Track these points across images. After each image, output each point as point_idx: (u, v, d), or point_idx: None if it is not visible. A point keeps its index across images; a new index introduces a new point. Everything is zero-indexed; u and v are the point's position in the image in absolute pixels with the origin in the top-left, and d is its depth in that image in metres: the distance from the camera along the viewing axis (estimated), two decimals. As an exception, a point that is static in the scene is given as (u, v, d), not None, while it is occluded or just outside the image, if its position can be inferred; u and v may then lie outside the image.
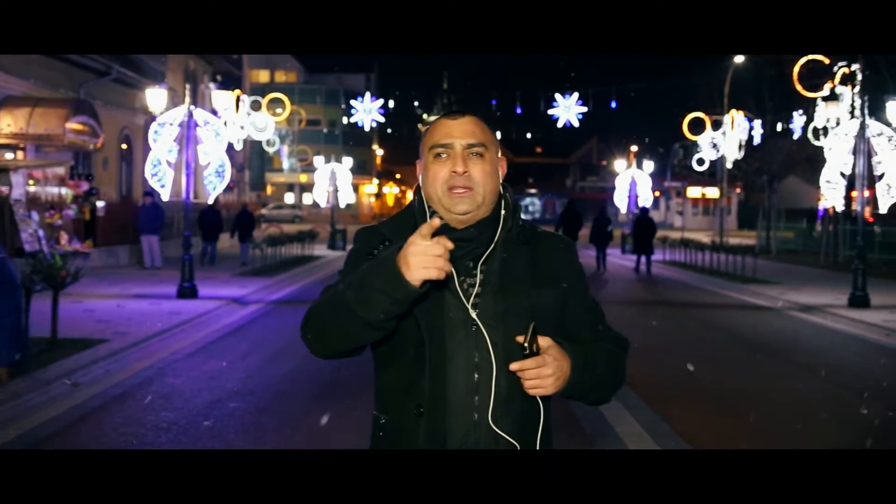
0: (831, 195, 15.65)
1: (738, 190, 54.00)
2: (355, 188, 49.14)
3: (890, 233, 25.16)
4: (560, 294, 2.06)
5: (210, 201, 16.56)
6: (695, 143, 31.40)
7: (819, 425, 7.00)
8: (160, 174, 14.08)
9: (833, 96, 21.50)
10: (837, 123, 19.62)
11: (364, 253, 2.04)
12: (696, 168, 32.38)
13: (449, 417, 1.96)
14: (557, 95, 31.43)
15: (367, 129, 38.53)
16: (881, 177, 14.66)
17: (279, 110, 31.65)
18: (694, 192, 60.07)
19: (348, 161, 33.17)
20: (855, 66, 18.62)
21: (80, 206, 17.82)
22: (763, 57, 28.43)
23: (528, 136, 68.32)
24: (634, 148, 45.88)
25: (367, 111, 34.55)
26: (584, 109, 31.82)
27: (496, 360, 1.95)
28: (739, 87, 31.92)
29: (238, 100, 25.50)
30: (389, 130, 59.67)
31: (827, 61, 21.86)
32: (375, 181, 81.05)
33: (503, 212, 2.07)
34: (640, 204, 28.16)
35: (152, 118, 15.56)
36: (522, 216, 2.13)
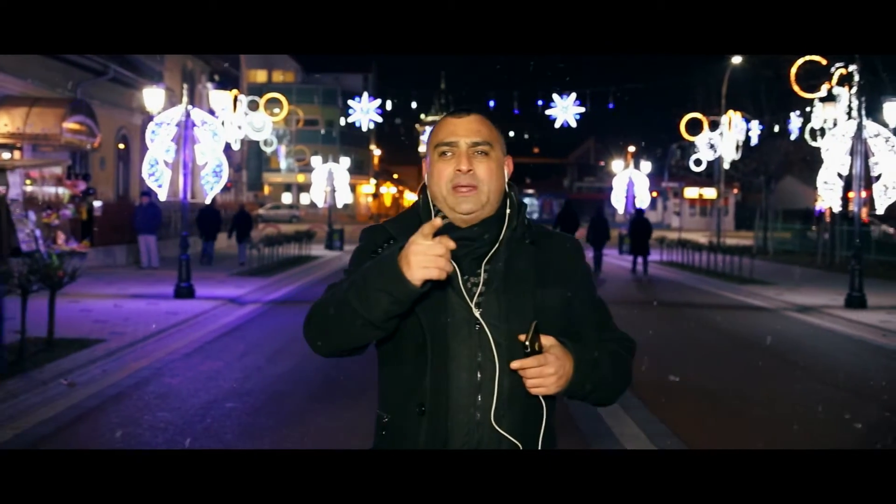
0: (828, 196, 15.67)
1: (736, 190, 54.11)
2: (353, 188, 49.15)
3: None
4: (565, 294, 2.05)
5: (207, 201, 16.56)
6: (692, 144, 31.41)
7: (816, 426, 7.01)
8: (157, 174, 14.06)
9: (830, 97, 21.54)
10: (834, 124, 19.66)
11: (368, 251, 2.04)
12: (694, 169, 32.40)
13: (451, 417, 1.95)
14: (555, 96, 31.45)
15: (364, 129, 38.50)
16: (878, 178, 14.68)
17: (277, 110, 31.61)
18: (691, 192, 60.09)
19: (346, 161, 33.15)
20: (852, 67, 18.66)
21: (77, 206, 17.79)
22: (760, 58, 28.47)
23: (526, 136, 68.32)
24: (632, 148, 45.90)
25: (364, 111, 34.54)
26: (582, 110, 31.84)
27: (499, 359, 1.94)
28: (737, 88, 31.98)
29: (235, 100, 25.47)
30: (387, 130, 59.63)
31: (824, 62, 21.89)
32: (373, 181, 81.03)
33: (508, 211, 2.05)
34: (638, 204, 28.18)
35: (149, 118, 15.54)
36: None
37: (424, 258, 1.76)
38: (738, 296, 16.82)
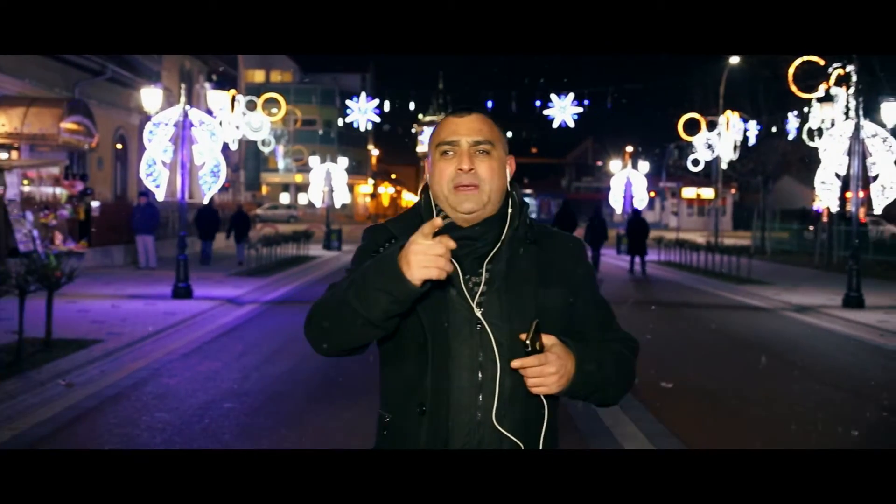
0: (826, 196, 15.69)
1: (733, 190, 54.16)
2: (351, 188, 49.12)
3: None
4: (567, 294, 2.04)
5: (205, 201, 16.56)
6: (690, 144, 31.44)
7: (814, 425, 7.01)
8: (155, 174, 14.05)
9: (828, 97, 21.58)
10: (832, 124, 19.68)
11: (370, 250, 2.03)
12: (692, 169, 32.43)
13: (452, 417, 1.94)
14: (553, 96, 31.49)
15: (362, 129, 38.51)
16: (876, 178, 14.70)
17: (275, 110, 31.61)
18: (689, 192, 60.12)
19: (344, 161, 33.15)
20: (850, 68, 18.67)
21: (75, 206, 17.78)
22: (758, 58, 28.50)
23: (524, 136, 68.36)
24: (630, 148, 45.95)
25: (362, 111, 34.55)
26: (580, 110, 31.89)
27: (500, 359, 1.94)
28: (734, 88, 32.00)
29: (233, 100, 25.47)
30: (385, 130, 59.61)
31: (822, 62, 21.91)
32: (371, 181, 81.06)
33: (510, 210, 2.05)
34: (636, 205, 28.19)
35: (147, 118, 15.53)
36: None
37: (424, 258, 1.76)
38: (736, 296, 16.83)
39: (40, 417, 6.76)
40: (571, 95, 31.55)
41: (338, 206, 32.10)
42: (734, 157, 29.23)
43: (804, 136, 23.60)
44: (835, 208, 16.31)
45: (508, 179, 2.07)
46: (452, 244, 1.79)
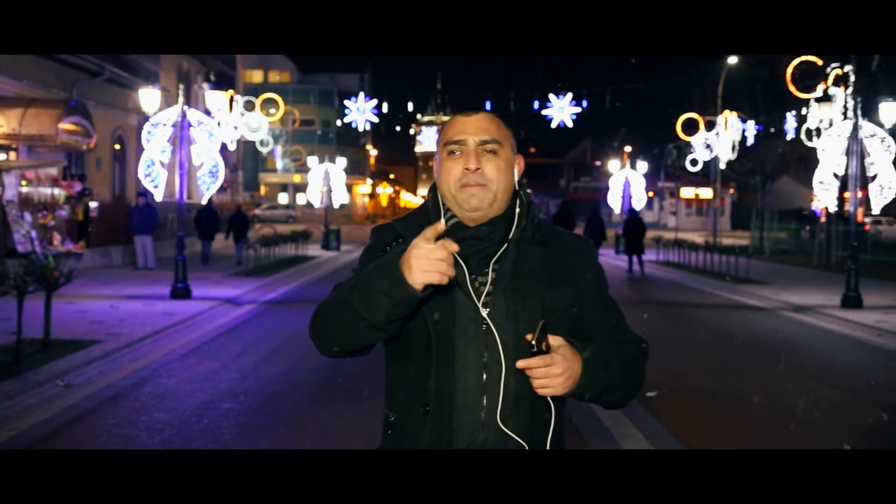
0: (824, 196, 15.70)
1: (732, 190, 54.16)
2: (349, 188, 49.10)
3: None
4: (575, 294, 2.03)
5: (204, 202, 16.55)
6: (688, 144, 31.48)
7: (812, 425, 7.02)
8: (153, 174, 14.04)
9: (826, 97, 21.61)
10: (830, 124, 19.71)
11: (377, 250, 2.03)
12: (690, 168, 32.45)
13: (456, 417, 1.93)
14: (551, 96, 31.50)
15: (360, 129, 38.51)
16: (874, 178, 14.71)
17: (273, 110, 31.60)
18: (687, 192, 60.18)
19: (342, 161, 33.13)
20: (848, 68, 18.70)
21: (73, 207, 17.77)
22: (756, 58, 28.53)
23: (522, 135, 68.46)
24: (628, 148, 45.98)
25: (360, 111, 34.55)
26: (578, 110, 31.90)
27: (506, 360, 1.93)
28: (733, 88, 32.05)
29: (232, 100, 25.47)
30: (383, 130, 59.63)
31: (820, 63, 21.94)
32: (369, 181, 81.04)
33: (518, 210, 2.04)
34: (634, 204, 28.22)
35: (145, 118, 15.53)
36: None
37: (426, 262, 1.75)
38: (735, 295, 16.83)
39: (39, 418, 6.75)
40: (570, 95, 31.56)
41: (336, 206, 32.10)
42: (732, 157, 29.26)
43: (802, 136, 23.63)
44: (833, 208, 16.31)
45: (516, 179, 2.06)
46: (455, 247, 1.78)
